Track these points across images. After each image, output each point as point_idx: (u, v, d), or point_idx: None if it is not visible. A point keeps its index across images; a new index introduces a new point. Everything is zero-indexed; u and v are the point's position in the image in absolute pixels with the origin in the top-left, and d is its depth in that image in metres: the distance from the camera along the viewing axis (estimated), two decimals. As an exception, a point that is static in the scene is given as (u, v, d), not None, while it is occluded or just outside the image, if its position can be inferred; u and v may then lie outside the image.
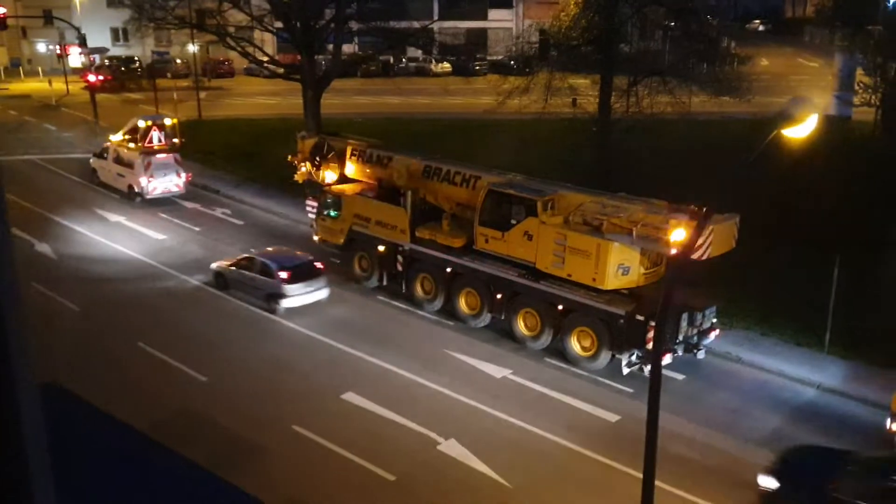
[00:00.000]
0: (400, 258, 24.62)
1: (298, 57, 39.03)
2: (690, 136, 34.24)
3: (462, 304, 23.15)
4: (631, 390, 19.56)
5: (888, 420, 17.00)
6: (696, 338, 20.67)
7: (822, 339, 21.59)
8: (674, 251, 19.23)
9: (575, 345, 20.88)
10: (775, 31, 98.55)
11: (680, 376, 19.93)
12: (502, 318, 22.36)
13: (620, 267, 20.32)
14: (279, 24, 40.21)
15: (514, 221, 21.93)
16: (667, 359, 18.75)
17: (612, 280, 20.35)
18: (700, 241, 18.05)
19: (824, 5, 70.16)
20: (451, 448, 17.14)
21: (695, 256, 18.39)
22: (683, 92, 32.78)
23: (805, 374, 20.57)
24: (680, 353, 20.03)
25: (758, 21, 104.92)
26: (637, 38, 42.99)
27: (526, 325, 21.81)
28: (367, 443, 17.15)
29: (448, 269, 23.30)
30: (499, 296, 22.28)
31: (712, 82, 33.70)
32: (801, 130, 9.78)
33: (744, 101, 33.08)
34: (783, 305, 23.04)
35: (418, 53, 68.11)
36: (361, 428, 17.78)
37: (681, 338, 20.05)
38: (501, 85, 34.46)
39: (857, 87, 36.61)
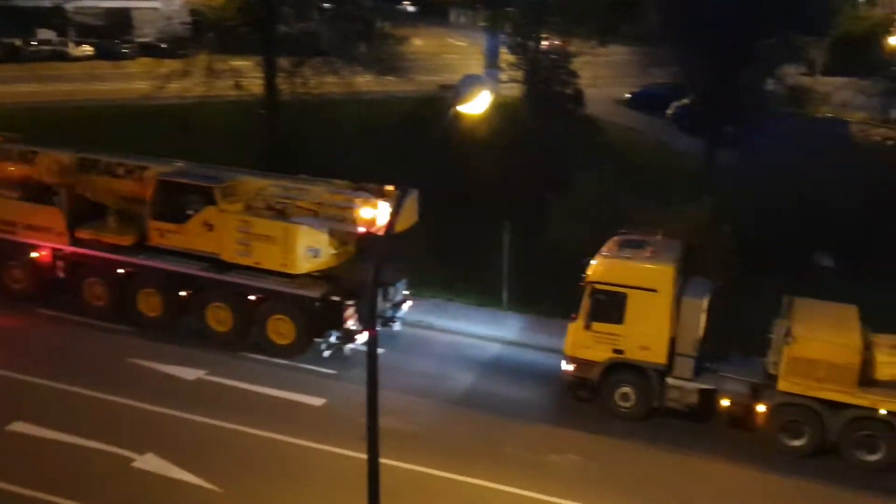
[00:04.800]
0: (61, 264, 21.95)
1: None
2: (359, 116, 34.85)
3: (143, 306, 21.29)
4: (334, 372, 19.49)
5: (563, 362, 18.81)
6: (390, 311, 21.13)
7: (501, 298, 23.36)
8: (361, 229, 19.47)
9: (272, 334, 20.24)
10: (423, 13, 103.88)
11: (380, 350, 20.16)
12: (190, 315, 20.98)
13: (310, 250, 20.04)
14: None
15: (190, 212, 20.61)
16: (364, 337, 18.92)
17: (303, 264, 20.02)
18: (387, 217, 18.43)
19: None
20: (149, 462, 15.74)
21: (379, 232, 18.79)
22: (348, 72, 33.13)
23: (490, 332, 22.15)
24: (378, 328, 20.28)
25: (407, 2, 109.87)
26: (295, 18, 42.64)
27: (217, 321, 20.67)
28: (48, 474, 15.09)
29: (120, 271, 21.26)
30: (183, 293, 20.85)
31: (374, 62, 34.48)
32: (475, 106, 10.12)
33: (405, 80, 34.31)
34: (465, 272, 24.46)
35: (53, 35, 61.28)
36: (36, 460, 15.60)
37: (377, 313, 20.32)
38: (157, 69, 32.18)
39: (502, 65, 40.00)
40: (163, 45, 45.83)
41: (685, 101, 40.93)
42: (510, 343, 21.79)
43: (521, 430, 17.87)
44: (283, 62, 32.33)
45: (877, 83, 25.76)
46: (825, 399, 16.80)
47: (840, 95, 30.65)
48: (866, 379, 16.64)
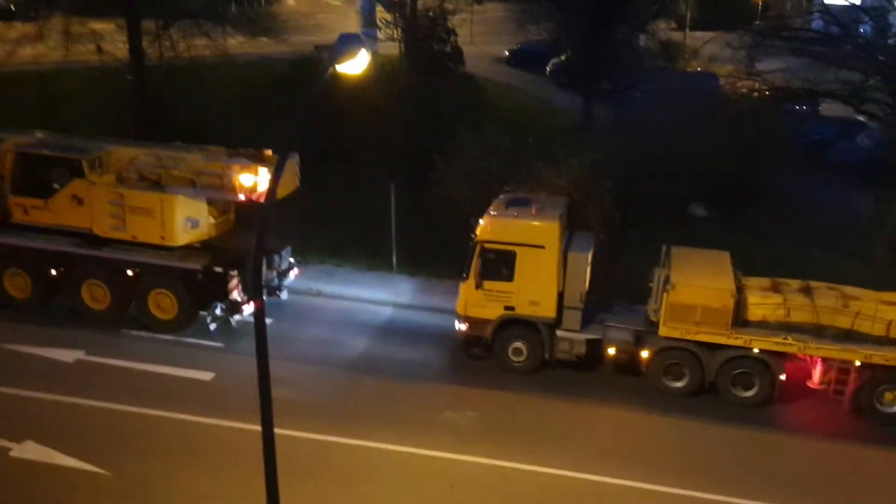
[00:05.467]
0: None
1: None
2: (234, 80, 33.60)
3: (9, 288, 19.98)
4: (221, 345, 18.95)
5: (457, 322, 18.94)
6: (276, 280, 20.66)
7: (390, 261, 23.24)
8: (241, 197, 18.85)
9: (154, 309, 19.43)
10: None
11: (268, 320, 19.74)
12: (63, 295, 19.87)
13: (188, 220, 19.28)
14: None
15: (57, 186, 19.39)
16: (250, 307, 18.43)
17: (182, 235, 19.26)
18: (267, 183, 17.88)
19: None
20: (29, 451, 14.98)
21: (260, 199, 18.28)
22: (219, 34, 31.80)
23: (381, 296, 21.99)
24: (265, 297, 19.82)
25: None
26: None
27: (93, 298, 19.65)
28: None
29: (-18, 252, 19.85)
30: (54, 271, 19.70)
31: (245, 23, 33.28)
32: (353, 67, 9.86)
33: (280, 41, 33.29)
34: (352, 236, 24.17)
35: None
36: None
37: (263, 283, 19.82)
38: (6, 32, 29.96)
39: (379, 24, 39.38)
40: (11, 7, 42.55)
41: (562, 57, 41.55)
42: (402, 306, 21.73)
43: (417, 391, 17.94)
44: (149, 24, 30.68)
45: (742, 37, 26.89)
46: (703, 341, 17.61)
47: (709, 49, 31.86)
48: (739, 320, 17.53)
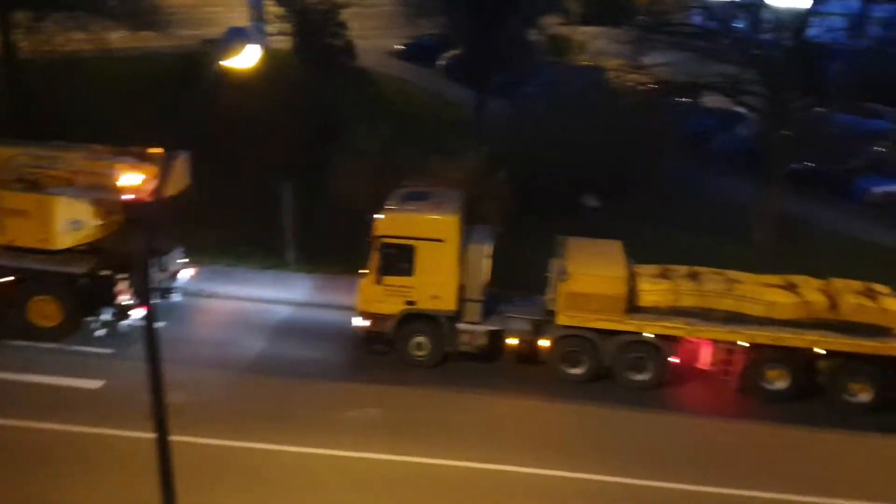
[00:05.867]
0: None
1: None
2: (117, 75, 32.20)
3: None
4: (111, 351, 18.20)
5: (357, 319, 18.78)
6: (167, 282, 19.97)
7: (287, 259, 22.82)
8: (128, 197, 18.11)
9: (35, 317, 18.44)
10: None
11: (161, 324, 19.04)
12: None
13: (71, 222, 18.43)
14: None
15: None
16: (140, 311, 17.74)
17: (64, 238, 18.39)
18: (155, 182, 17.25)
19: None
20: None
21: (148, 198, 17.59)
22: (98, 27, 30.38)
23: (278, 295, 21.61)
24: (156, 300, 19.13)
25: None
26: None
27: (-32, 308, 18.51)
28: None
29: None
30: (-79, 280, 18.45)
31: (127, 16, 31.89)
32: (242, 61, 9.64)
33: (165, 35, 32.09)
34: (246, 234, 23.54)
35: None
36: None
37: (153, 285, 19.11)
38: None
39: (268, 17, 38.48)
40: None
41: (454, 51, 41.72)
42: (300, 304, 21.39)
43: (318, 390, 17.69)
44: (20, 16, 29.04)
45: (627, 31, 27.65)
46: (599, 328, 18.06)
47: (596, 44, 32.65)
48: (632, 307, 18.07)
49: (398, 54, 47.87)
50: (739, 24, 27.42)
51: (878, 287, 18.46)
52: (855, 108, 29.66)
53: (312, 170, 24.07)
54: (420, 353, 18.78)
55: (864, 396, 17.82)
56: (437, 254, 18.22)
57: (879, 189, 30.17)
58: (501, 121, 29.16)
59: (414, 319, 18.58)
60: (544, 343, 18.47)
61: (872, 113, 34.55)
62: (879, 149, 33.00)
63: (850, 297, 17.88)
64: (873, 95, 29.90)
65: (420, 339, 18.68)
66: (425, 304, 18.48)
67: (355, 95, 32.32)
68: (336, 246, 22.12)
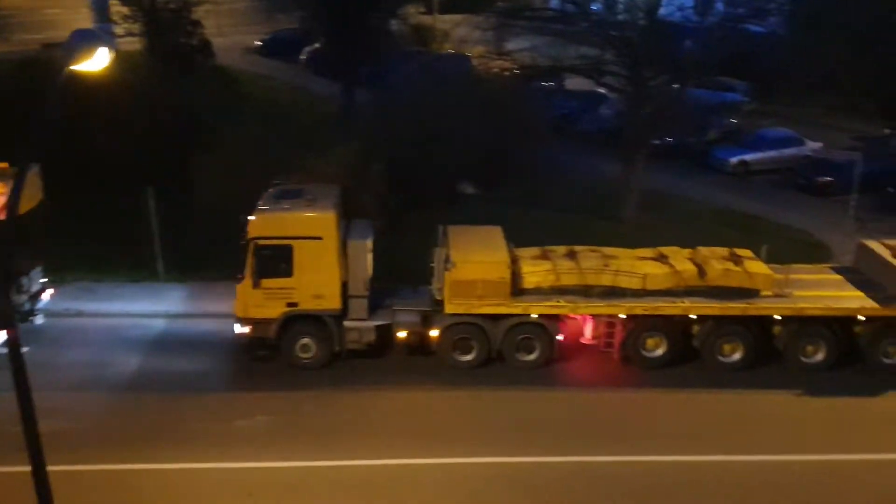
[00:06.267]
0: None
1: None
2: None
3: None
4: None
5: (237, 325, 18.12)
6: (28, 304, 18.64)
7: (156, 270, 21.76)
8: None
9: None
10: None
11: (24, 349, 17.76)
12: None
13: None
14: None
15: None
16: (1, 337, 16.45)
17: None
18: (4, 198, 16.05)
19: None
20: None
21: (1, 216, 16.34)
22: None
23: (150, 308, 20.61)
24: (17, 324, 17.77)
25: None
26: None
27: None
28: None
29: None
30: None
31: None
32: (92, 64, 9.09)
33: (1, 40, 29.99)
34: (111, 247, 22.30)
35: None
36: None
37: (13, 308, 17.76)
38: None
39: (115, 18, 36.56)
40: None
41: (317, 45, 41.06)
42: (175, 315, 20.48)
43: (203, 403, 17.01)
44: None
45: (488, 19, 27.91)
46: (486, 314, 18.18)
47: (459, 32, 32.79)
48: (517, 290, 18.28)
49: (258, 51, 46.72)
50: (596, 7, 28.17)
51: (742, 252, 19.42)
52: (708, 82, 31.11)
53: (177, 174, 23.04)
54: (307, 356, 18.34)
55: (736, 356, 18.72)
56: (317, 252, 17.81)
57: (735, 159, 31.84)
58: (372, 113, 28.87)
59: (298, 321, 18.11)
60: (434, 333, 18.42)
61: (725, 87, 36.44)
62: (733, 120, 34.87)
63: (717, 263, 18.72)
64: (725, 70, 31.44)
65: (306, 340, 18.25)
66: (308, 305, 18.05)
67: (216, 95, 31.25)
68: (208, 252, 21.27)
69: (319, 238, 17.80)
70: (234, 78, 35.90)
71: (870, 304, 18.42)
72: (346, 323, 18.23)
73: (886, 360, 18.63)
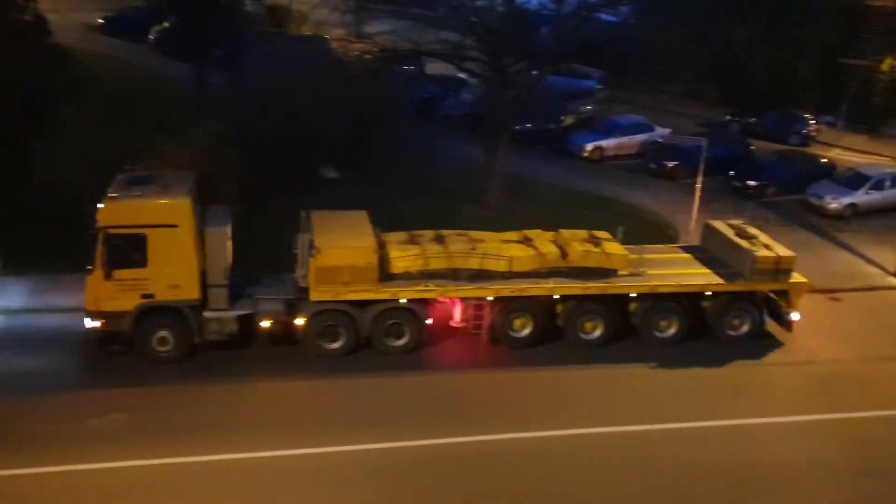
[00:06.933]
0: None
1: None
2: None
3: None
4: None
5: (88, 320, 17.01)
6: None
7: (-7, 263, 20.13)
8: None
9: None
10: None
11: None
12: None
13: None
14: None
15: None
16: None
17: None
18: None
19: None
20: None
21: None
22: None
23: (-13, 304, 18.98)
24: None
25: None
26: None
27: None
28: None
29: None
30: None
31: None
32: None
33: None
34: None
35: None
36: None
37: None
38: None
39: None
40: None
41: (166, 24, 39.15)
42: (16, 312, 19.01)
43: (52, 403, 15.87)
44: None
45: (347, 1, 27.41)
46: (354, 300, 17.90)
47: (317, 14, 32.09)
48: (385, 275, 18.10)
49: (101, 29, 43.99)
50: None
51: (600, 233, 20.09)
52: (566, 70, 31.97)
53: (14, 160, 21.32)
54: (165, 349, 17.47)
55: (597, 333, 19.37)
56: (172, 240, 16.93)
57: (590, 144, 32.93)
58: (228, 95, 27.81)
59: (154, 313, 17.20)
60: (299, 322, 17.96)
61: (581, 74, 37.61)
62: (588, 107, 36.04)
63: (578, 245, 19.27)
64: (580, 58, 32.41)
65: (163, 333, 17.37)
66: (165, 296, 17.16)
67: (56, 75, 29.11)
68: (52, 243, 19.82)
69: (175, 226, 16.93)
70: (75, 58, 33.53)
71: (716, 280, 19.50)
72: (206, 314, 17.47)
73: (731, 333, 19.81)
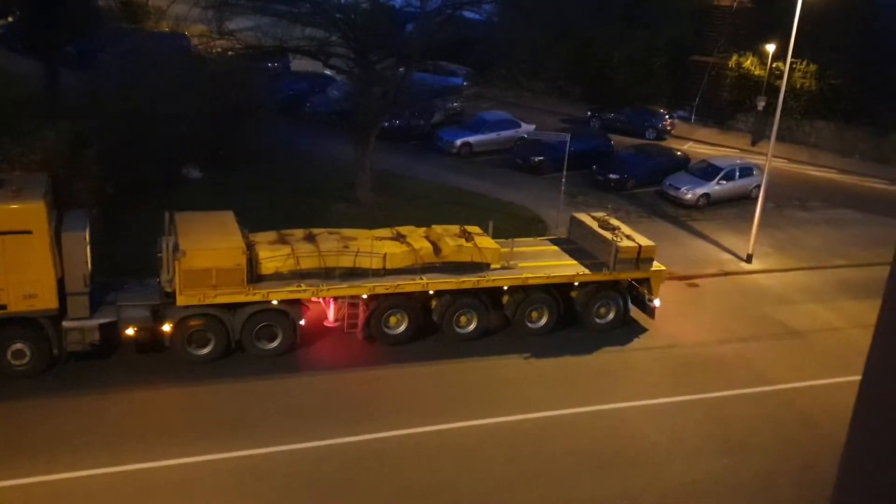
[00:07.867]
0: None
1: None
2: None
3: None
4: None
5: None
6: None
7: None
8: None
9: None
10: None
11: None
12: None
13: None
14: None
15: None
16: None
17: None
18: None
19: None
20: None
21: None
22: None
23: None
24: None
25: None
26: None
27: None
28: None
29: None
30: None
31: None
32: None
33: None
34: None
35: None
36: None
37: None
38: None
39: None
40: None
41: (10, 19, 36.80)
42: None
43: None
44: None
45: (209, -4, 26.63)
46: (223, 303, 17.42)
47: (175, 10, 30.92)
48: (255, 276, 17.70)
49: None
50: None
51: (472, 228, 20.39)
52: (433, 67, 32.24)
53: None
54: (21, 363, 16.45)
55: (471, 327, 19.67)
56: (25, 247, 15.94)
57: (459, 141, 33.40)
58: (82, 94, 26.43)
59: (7, 325, 16.17)
60: (166, 328, 17.31)
61: (449, 71, 38.02)
62: (455, 104, 36.51)
63: (450, 240, 19.49)
64: (447, 55, 32.77)
65: (18, 346, 16.35)
66: (19, 307, 16.14)
67: None
68: None
69: (28, 232, 15.94)
70: None
71: (583, 270, 20.20)
72: (66, 323, 16.57)
73: (599, 321, 20.59)
